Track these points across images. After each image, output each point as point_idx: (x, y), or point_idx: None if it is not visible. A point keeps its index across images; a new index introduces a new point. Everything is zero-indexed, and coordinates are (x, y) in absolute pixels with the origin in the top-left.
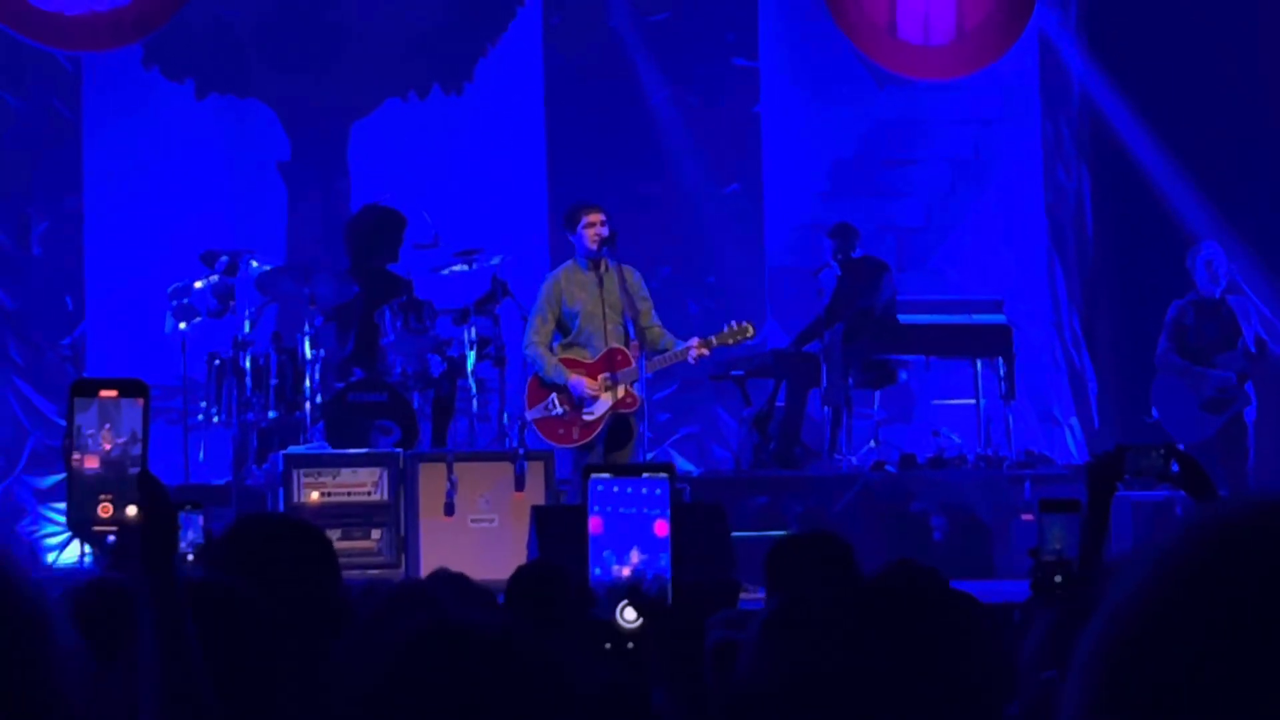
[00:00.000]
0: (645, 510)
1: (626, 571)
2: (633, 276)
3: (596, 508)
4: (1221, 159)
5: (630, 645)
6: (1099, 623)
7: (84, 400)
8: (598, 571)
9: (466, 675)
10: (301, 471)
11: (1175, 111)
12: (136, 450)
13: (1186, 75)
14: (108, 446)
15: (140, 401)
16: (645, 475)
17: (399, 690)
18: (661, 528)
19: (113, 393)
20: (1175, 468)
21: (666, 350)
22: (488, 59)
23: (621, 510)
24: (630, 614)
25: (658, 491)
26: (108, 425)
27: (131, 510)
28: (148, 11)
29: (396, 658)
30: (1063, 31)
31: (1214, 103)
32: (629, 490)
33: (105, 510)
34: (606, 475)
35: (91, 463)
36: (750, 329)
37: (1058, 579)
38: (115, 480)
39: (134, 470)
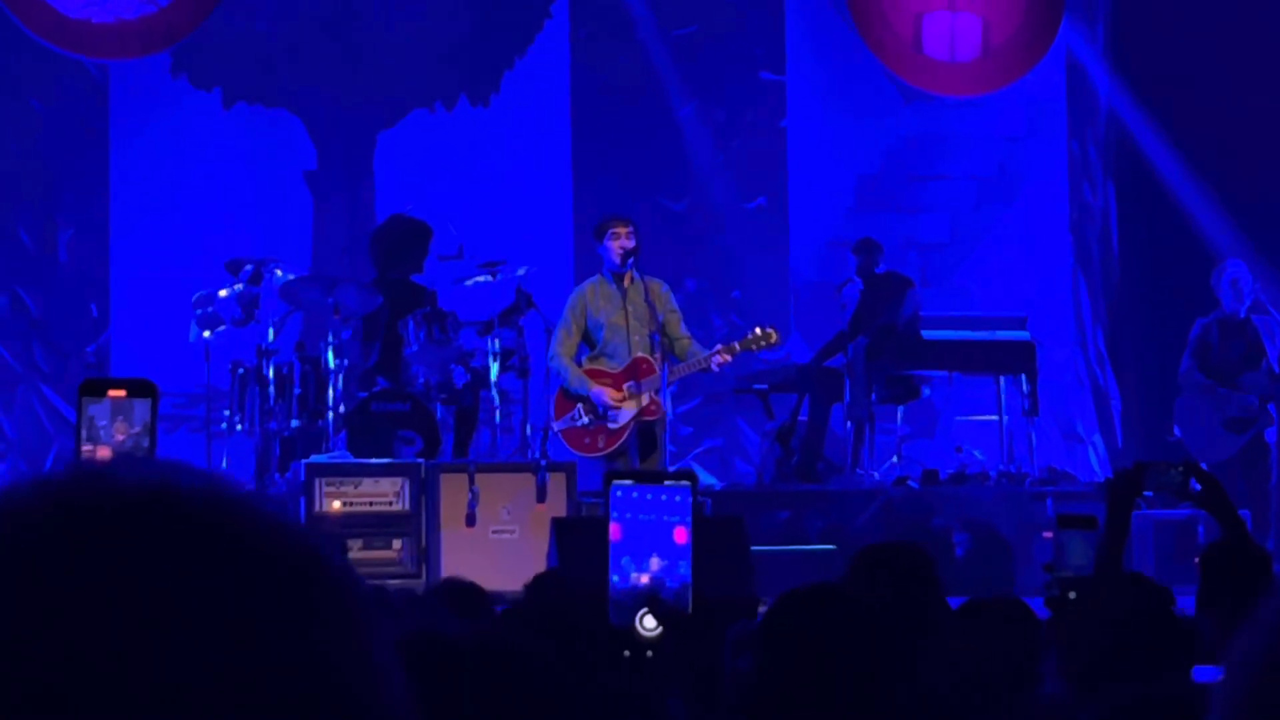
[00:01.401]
0: (665, 517)
1: (645, 579)
2: (660, 289)
3: (616, 514)
4: (1247, 178)
5: (649, 654)
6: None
7: (93, 398)
8: (616, 579)
9: (441, 685)
10: (323, 480)
11: (1201, 130)
12: (146, 443)
13: (1212, 94)
14: (120, 437)
15: (149, 401)
16: (667, 483)
17: None
18: (681, 535)
19: (121, 392)
20: (1195, 486)
21: (673, 358)
22: (514, 71)
23: (641, 517)
24: (650, 622)
25: (678, 499)
26: (121, 418)
27: None
28: (176, 21)
29: None
30: (1089, 49)
31: (1240, 122)
32: (649, 497)
33: None
34: (628, 482)
35: (104, 453)
36: (775, 334)
37: (1072, 595)
38: None
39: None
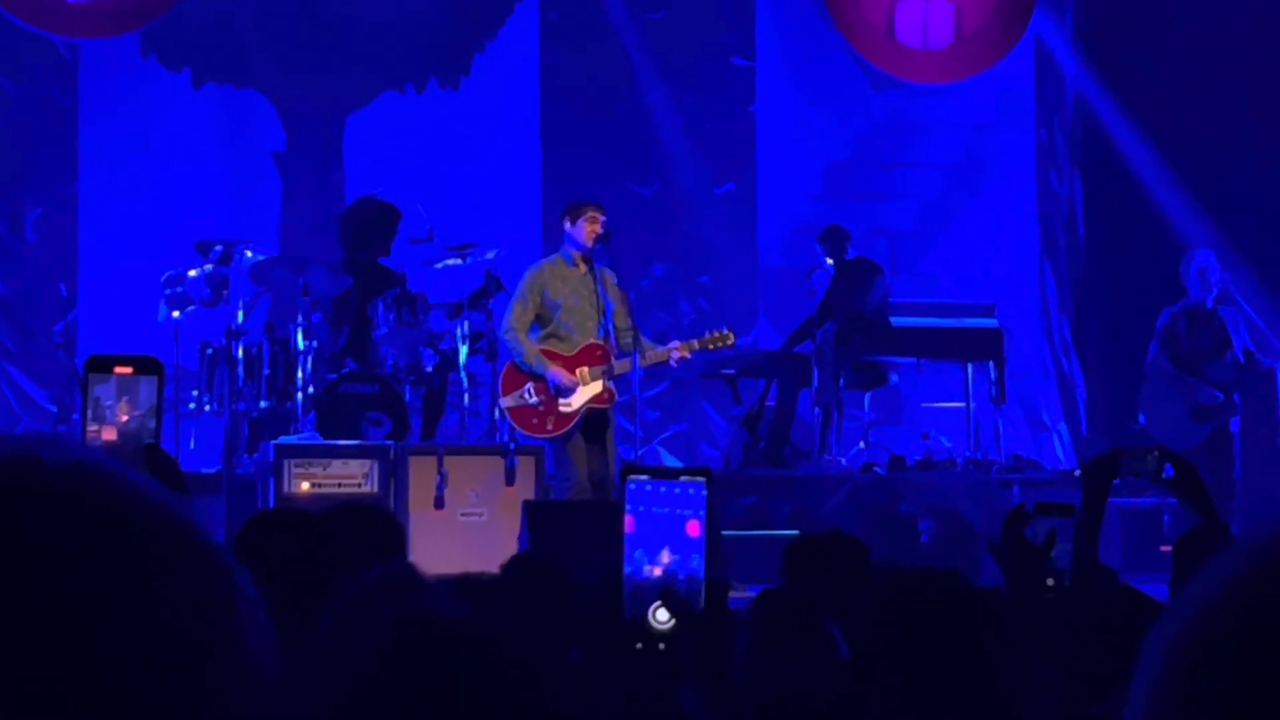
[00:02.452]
0: (679, 511)
1: (658, 571)
2: (611, 279)
3: (630, 507)
4: (1215, 167)
5: (662, 646)
6: (1171, 629)
7: (99, 376)
8: (629, 570)
9: (442, 665)
10: (292, 462)
11: (1170, 119)
12: (153, 424)
13: (1182, 83)
14: (124, 418)
15: (155, 379)
16: (683, 478)
17: (373, 681)
18: (694, 528)
19: (128, 369)
20: (1170, 472)
21: (638, 349)
22: (485, 54)
23: (655, 510)
24: (663, 615)
25: (692, 493)
26: (126, 398)
27: None
28: (147, 1)
29: (371, 648)
30: (1059, 38)
31: (1209, 111)
32: (663, 490)
33: None
34: (644, 477)
35: (109, 434)
36: (731, 337)
37: (1049, 582)
38: (129, 452)
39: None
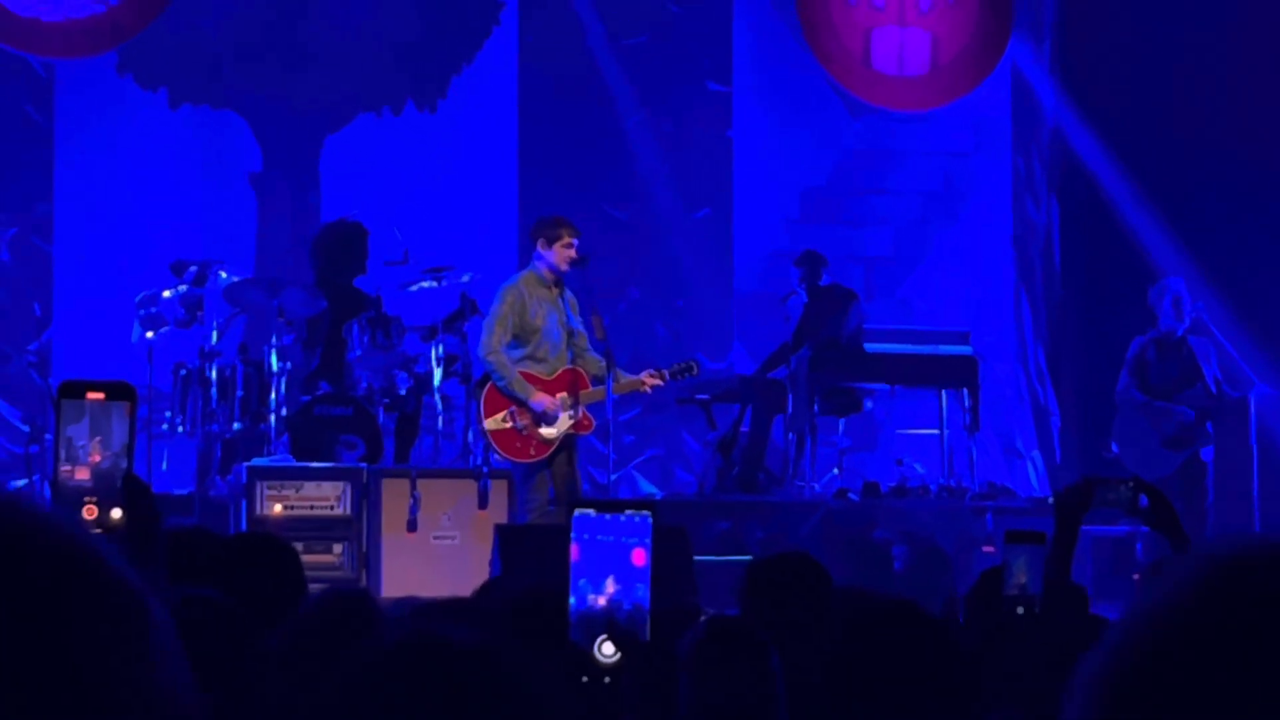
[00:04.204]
0: (624, 539)
1: (602, 601)
2: (575, 303)
3: (575, 536)
4: (1190, 196)
5: (607, 680)
6: (1104, 655)
7: (71, 403)
8: (574, 600)
9: (446, 690)
10: (265, 484)
11: (1146, 148)
12: (124, 463)
13: (1158, 112)
14: (97, 458)
15: (127, 406)
16: (629, 511)
17: (374, 703)
18: (640, 556)
19: (99, 395)
20: (1144, 502)
21: (612, 373)
22: (462, 76)
23: (599, 538)
24: (608, 648)
25: (637, 521)
26: (98, 438)
27: (116, 513)
28: (124, 20)
29: (374, 670)
30: (1036, 66)
31: (1185, 140)
32: (608, 519)
33: (90, 512)
34: (590, 510)
35: (81, 474)
36: (695, 367)
37: (1020, 611)
38: (103, 491)
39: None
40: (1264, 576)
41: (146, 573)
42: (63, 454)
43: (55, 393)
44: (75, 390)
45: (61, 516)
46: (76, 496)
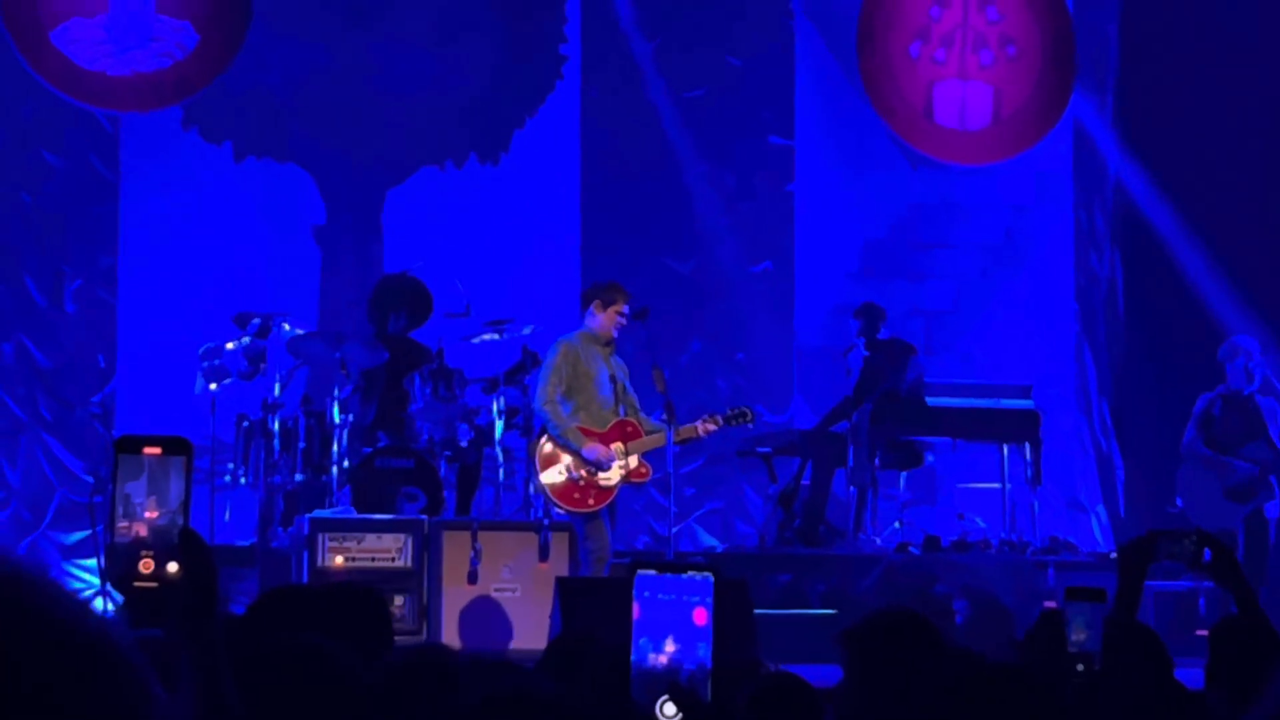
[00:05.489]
0: (685, 597)
1: (663, 659)
2: (625, 369)
3: (636, 594)
4: (1255, 253)
5: None
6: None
7: (129, 458)
8: (635, 659)
9: None
10: (327, 535)
11: (1209, 203)
12: (181, 520)
13: (1221, 168)
14: (154, 514)
15: (184, 461)
16: (690, 573)
17: None
18: (701, 615)
19: (156, 450)
20: (1207, 556)
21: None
22: (524, 129)
23: (660, 596)
24: (670, 709)
25: (699, 580)
26: (154, 495)
27: (172, 567)
28: (189, 74)
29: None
30: (1098, 120)
31: (1248, 196)
32: (670, 579)
33: (146, 566)
34: (652, 571)
35: (139, 530)
36: (750, 414)
37: (1080, 668)
38: (159, 544)
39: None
40: None
41: (203, 626)
42: (120, 510)
43: (112, 448)
44: (132, 446)
45: (62, 590)
46: (133, 552)
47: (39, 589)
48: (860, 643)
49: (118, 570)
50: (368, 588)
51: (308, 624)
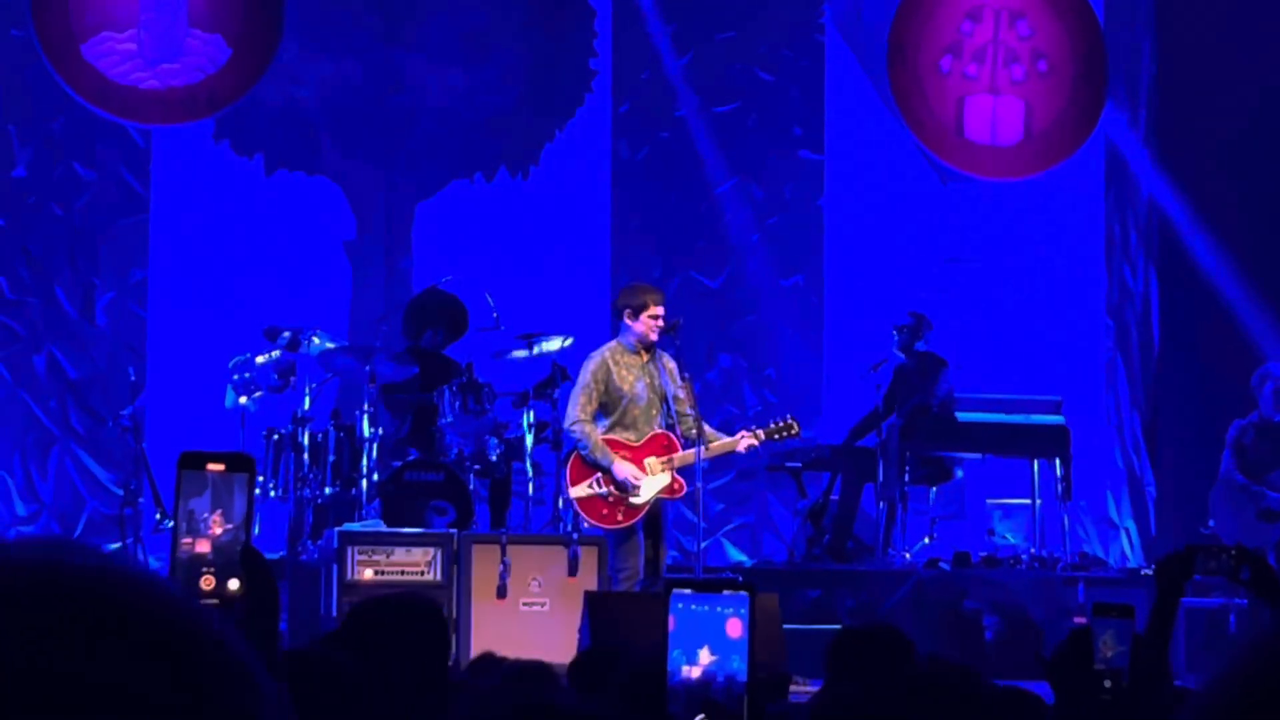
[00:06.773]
0: (719, 609)
1: (696, 672)
2: (671, 365)
3: (671, 607)
4: None
5: None
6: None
7: (193, 474)
8: (670, 671)
9: None
10: (356, 549)
11: (1242, 222)
12: (244, 536)
13: (1254, 186)
14: (217, 531)
15: (247, 478)
16: (726, 592)
17: None
18: (735, 627)
19: (220, 467)
20: (1245, 573)
21: (702, 438)
22: (555, 143)
23: (695, 607)
24: None
25: (733, 597)
26: (219, 510)
27: (234, 584)
28: (221, 88)
29: None
30: (1131, 135)
31: None
32: (704, 597)
33: (208, 583)
34: (687, 591)
35: (202, 546)
36: (796, 426)
37: (1107, 684)
38: (221, 561)
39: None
40: None
41: (264, 643)
42: (184, 526)
43: (175, 464)
44: (196, 462)
45: (165, 582)
46: (196, 569)
47: (134, 586)
48: (836, 652)
49: (178, 581)
50: (429, 601)
51: (381, 635)
